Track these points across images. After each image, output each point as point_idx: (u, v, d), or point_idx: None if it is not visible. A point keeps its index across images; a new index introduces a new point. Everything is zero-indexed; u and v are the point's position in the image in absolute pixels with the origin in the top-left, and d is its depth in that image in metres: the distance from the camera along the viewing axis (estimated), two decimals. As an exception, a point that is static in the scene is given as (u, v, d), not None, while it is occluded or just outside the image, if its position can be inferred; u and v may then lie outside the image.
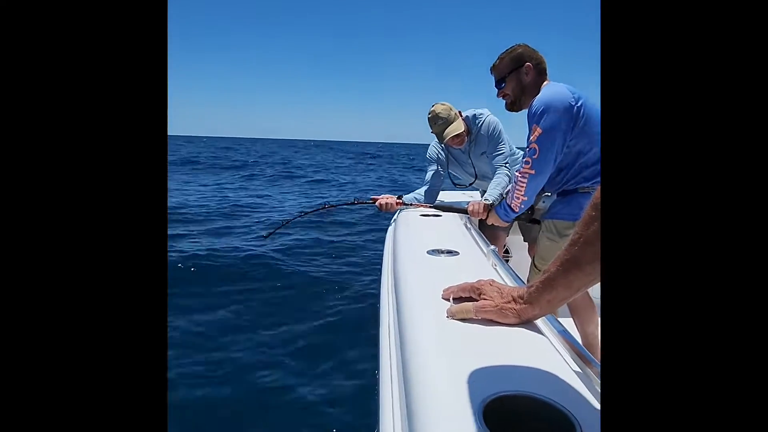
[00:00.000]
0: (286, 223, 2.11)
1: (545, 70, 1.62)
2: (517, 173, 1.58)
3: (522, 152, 2.19)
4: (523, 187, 1.57)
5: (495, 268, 1.11)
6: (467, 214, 1.90)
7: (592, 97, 1.55)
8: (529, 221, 1.98)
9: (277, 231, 2.14)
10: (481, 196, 2.30)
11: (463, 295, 0.74)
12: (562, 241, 1.61)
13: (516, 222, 2.16)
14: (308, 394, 1.85)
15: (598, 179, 1.55)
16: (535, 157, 1.50)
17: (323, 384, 1.92)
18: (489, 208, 1.91)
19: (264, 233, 2.12)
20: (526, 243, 2.31)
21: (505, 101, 1.68)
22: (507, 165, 2.00)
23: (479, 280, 0.74)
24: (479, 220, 2.02)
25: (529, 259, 2.30)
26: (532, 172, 1.53)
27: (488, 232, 2.09)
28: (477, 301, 0.70)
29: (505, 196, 1.76)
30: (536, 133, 1.49)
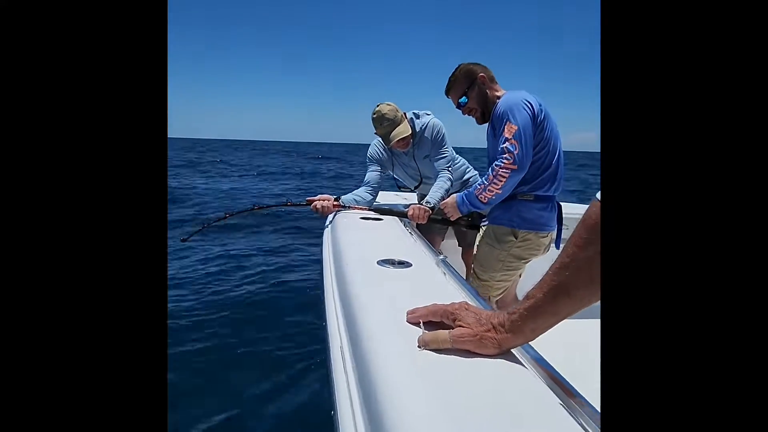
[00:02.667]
0: (207, 226, 1.84)
1: (495, 79, 1.66)
2: (496, 167, 1.52)
3: (460, 158, 2.18)
4: (502, 181, 1.52)
5: (447, 279, 1.04)
6: (407, 218, 1.83)
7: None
8: (469, 227, 1.98)
9: (197, 233, 1.86)
10: (419, 200, 2.25)
11: (434, 320, 0.65)
12: (501, 247, 1.61)
13: (451, 227, 2.16)
14: None
15: (535, 184, 1.58)
16: (516, 152, 1.48)
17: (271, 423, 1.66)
18: (430, 213, 1.86)
19: (182, 237, 1.80)
20: (461, 248, 2.32)
21: (473, 117, 1.68)
22: (449, 169, 1.97)
23: (452, 303, 0.65)
24: (417, 224, 1.96)
25: (462, 264, 2.31)
26: (515, 167, 1.49)
27: (424, 235, 2.05)
28: (449, 327, 0.62)
29: (473, 187, 1.66)
30: (512, 130, 1.48)
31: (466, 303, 0.66)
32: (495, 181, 1.53)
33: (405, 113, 1.96)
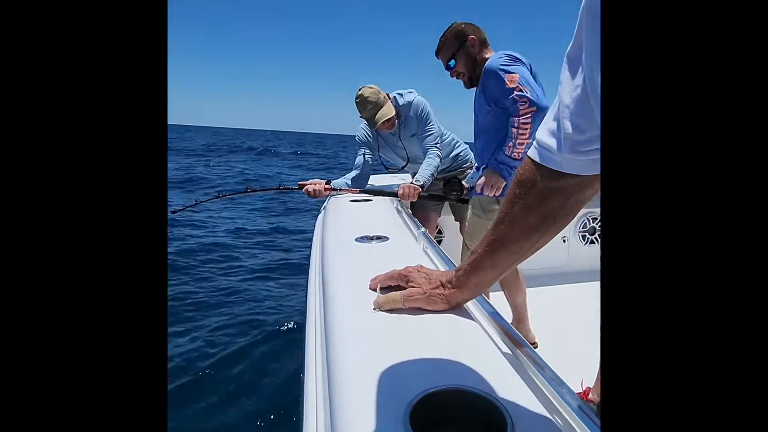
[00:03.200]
0: (199, 203, 1.95)
1: (487, 41, 1.62)
2: (515, 118, 1.47)
3: (449, 132, 2.20)
4: (526, 129, 1.46)
5: (426, 252, 1.08)
6: (398, 197, 1.87)
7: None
8: (459, 201, 2.02)
9: (187, 209, 1.97)
10: (412, 178, 2.29)
11: (391, 284, 0.70)
12: (486, 216, 1.64)
13: (447, 203, 2.20)
14: (230, 394, 1.76)
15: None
16: (528, 95, 1.43)
17: (247, 385, 1.84)
18: (420, 190, 1.90)
19: (173, 208, 1.91)
20: (457, 222, 2.36)
21: (461, 80, 1.65)
22: (437, 146, 2.00)
23: (407, 267, 0.70)
24: (411, 203, 2.01)
25: (461, 239, 2.36)
26: (533, 109, 1.44)
27: (420, 214, 2.10)
28: (405, 289, 0.67)
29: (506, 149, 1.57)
30: (514, 78, 1.44)
31: (420, 265, 0.71)
32: (521, 131, 1.48)
33: (388, 94, 1.98)
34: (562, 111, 0.50)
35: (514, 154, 1.54)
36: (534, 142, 0.56)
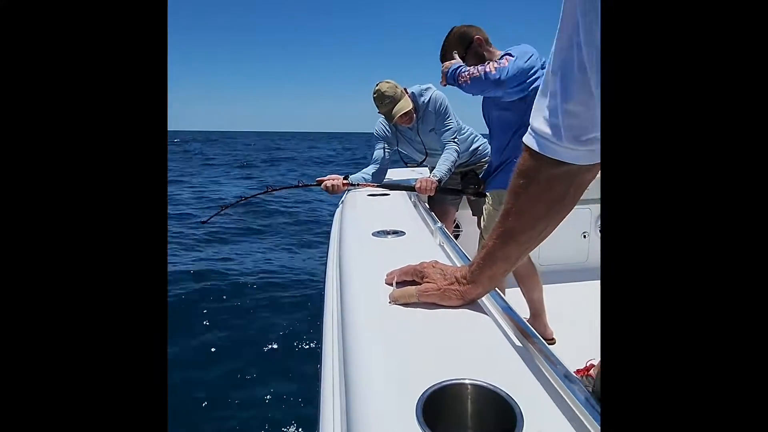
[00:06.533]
0: (225, 207, 2.00)
1: (489, 40, 1.62)
2: (485, 66, 1.49)
3: (468, 127, 2.19)
4: (476, 75, 1.47)
5: (442, 246, 1.09)
6: (415, 191, 1.88)
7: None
8: (476, 195, 2.01)
9: (216, 215, 2.03)
10: (431, 173, 2.29)
11: (407, 279, 0.72)
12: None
13: (465, 197, 2.19)
14: (251, 390, 1.83)
15: None
16: (499, 74, 1.43)
17: (267, 376, 1.90)
18: (438, 185, 1.90)
19: (202, 218, 2.00)
20: (476, 217, 2.35)
21: None
22: (455, 140, 1.99)
23: (422, 262, 0.71)
24: (428, 197, 2.01)
25: (479, 233, 2.35)
26: (496, 77, 1.44)
27: (437, 208, 2.10)
28: (420, 284, 0.68)
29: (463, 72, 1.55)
30: (506, 61, 1.45)
31: (436, 261, 0.72)
32: (474, 72, 1.49)
33: (405, 89, 1.98)
34: (554, 100, 0.52)
35: (460, 76, 1.53)
36: (529, 129, 0.57)
